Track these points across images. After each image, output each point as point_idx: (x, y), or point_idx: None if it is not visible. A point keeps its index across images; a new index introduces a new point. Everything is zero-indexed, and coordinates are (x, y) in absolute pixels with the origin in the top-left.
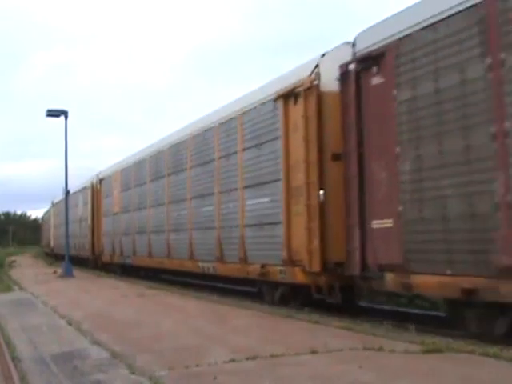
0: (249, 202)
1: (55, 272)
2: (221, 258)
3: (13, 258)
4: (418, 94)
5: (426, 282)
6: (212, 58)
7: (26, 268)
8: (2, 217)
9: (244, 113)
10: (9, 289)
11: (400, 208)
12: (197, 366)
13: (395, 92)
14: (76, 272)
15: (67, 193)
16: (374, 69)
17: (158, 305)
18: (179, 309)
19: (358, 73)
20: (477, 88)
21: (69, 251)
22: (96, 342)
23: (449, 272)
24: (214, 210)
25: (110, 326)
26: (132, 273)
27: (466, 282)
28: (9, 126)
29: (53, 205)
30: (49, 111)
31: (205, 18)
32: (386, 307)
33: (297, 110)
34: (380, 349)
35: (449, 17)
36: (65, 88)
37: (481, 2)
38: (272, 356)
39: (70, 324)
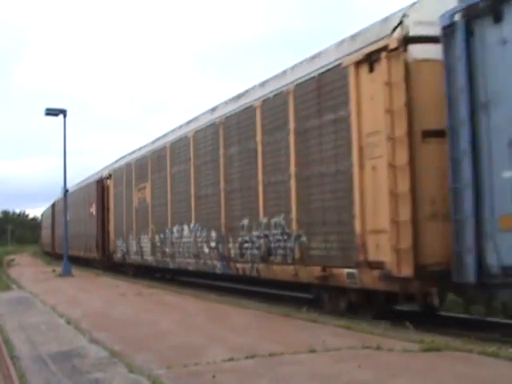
0: None
1: (54, 271)
2: None
3: (11, 256)
4: None
5: None
6: (212, 57)
7: (25, 267)
8: (1, 215)
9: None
10: (7, 288)
11: None
12: (195, 364)
13: None
14: (75, 271)
15: (66, 192)
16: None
17: (156, 304)
18: (178, 308)
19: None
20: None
21: (68, 250)
22: (95, 341)
23: None
24: None
25: (109, 324)
26: None
27: None
28: (8, 125)
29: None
30: (48, 110)
31: (204, 17)
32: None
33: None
34: (378, 347)
35: None
36: (64, 86)
37: None
38: (271, 355)
39: (68, 323)
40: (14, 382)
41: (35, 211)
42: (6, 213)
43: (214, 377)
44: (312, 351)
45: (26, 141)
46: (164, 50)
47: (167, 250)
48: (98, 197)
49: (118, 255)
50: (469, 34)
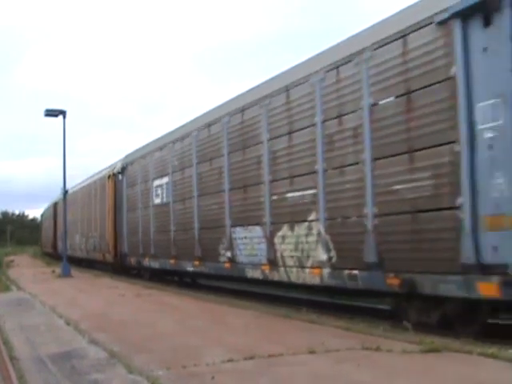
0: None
1: (53, 272)
2: None
3: (11, 257)
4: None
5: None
6: (212, 57)
7: (25, 268)
8: (0, 216)
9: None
10: (7, 288)
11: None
12: (194, 365)
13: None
14: (74, 272)
15: (65, 192)
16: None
17: (155, 304)
18: (177, 308)
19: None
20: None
21: (66, 252)
22: (94, 342)
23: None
24: None
25: (108, 325)
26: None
27: None
28: (7, 125)
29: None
30: (47, 111)
31: (204, 17)
32: (383, 307)
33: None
34: (378, 348)
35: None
36: (64, 86)
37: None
38: (270, 356)
39: (67, 324)
40: (13, 382)
41: (35, 212)
42: (5, 214)
43: (213, 378)
44: (311, 352)
45: (26, 141)
46: (164, 49)
47: (75, 246)
48: (53, 214)
49: (59, 250)
50: (121, 176)
